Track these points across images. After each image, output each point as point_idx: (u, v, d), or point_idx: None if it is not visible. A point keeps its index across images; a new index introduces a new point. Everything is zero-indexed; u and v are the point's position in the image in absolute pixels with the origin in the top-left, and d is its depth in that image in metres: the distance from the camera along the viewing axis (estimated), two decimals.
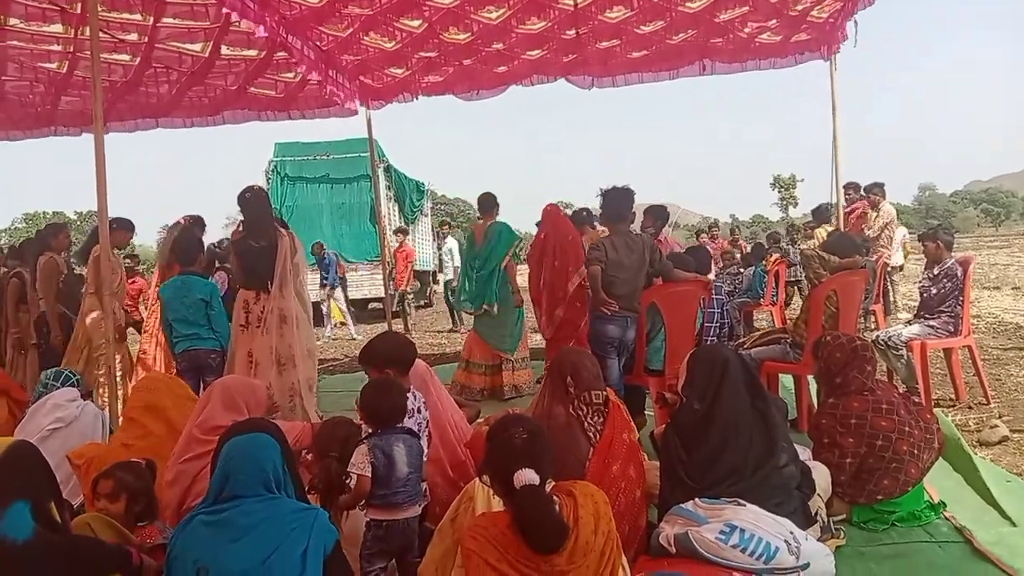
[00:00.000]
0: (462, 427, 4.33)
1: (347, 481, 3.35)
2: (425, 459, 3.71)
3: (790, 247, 12.17)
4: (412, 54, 7.60)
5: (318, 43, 7.02)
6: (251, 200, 5.97)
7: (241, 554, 2.32)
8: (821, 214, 10.06)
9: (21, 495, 2.31)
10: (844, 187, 9.80)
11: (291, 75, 7.94)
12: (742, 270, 10.64)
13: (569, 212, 8.11)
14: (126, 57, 7.14)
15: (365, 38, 7.09)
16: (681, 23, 7.17)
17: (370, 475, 3.26)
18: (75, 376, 4.95)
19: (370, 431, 3.42)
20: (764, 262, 10.82)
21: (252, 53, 7.25)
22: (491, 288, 7.38)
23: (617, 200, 5.72)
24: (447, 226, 17.58)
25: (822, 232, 9.59)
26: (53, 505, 2.42)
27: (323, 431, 3.75)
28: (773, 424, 3.59)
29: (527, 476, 2.57)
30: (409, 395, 3.74)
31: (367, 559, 3.27)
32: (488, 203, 7.77)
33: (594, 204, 8.24)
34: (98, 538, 2.80)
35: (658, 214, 7.72)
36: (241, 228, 5.95)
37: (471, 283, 7.56)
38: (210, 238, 7.64)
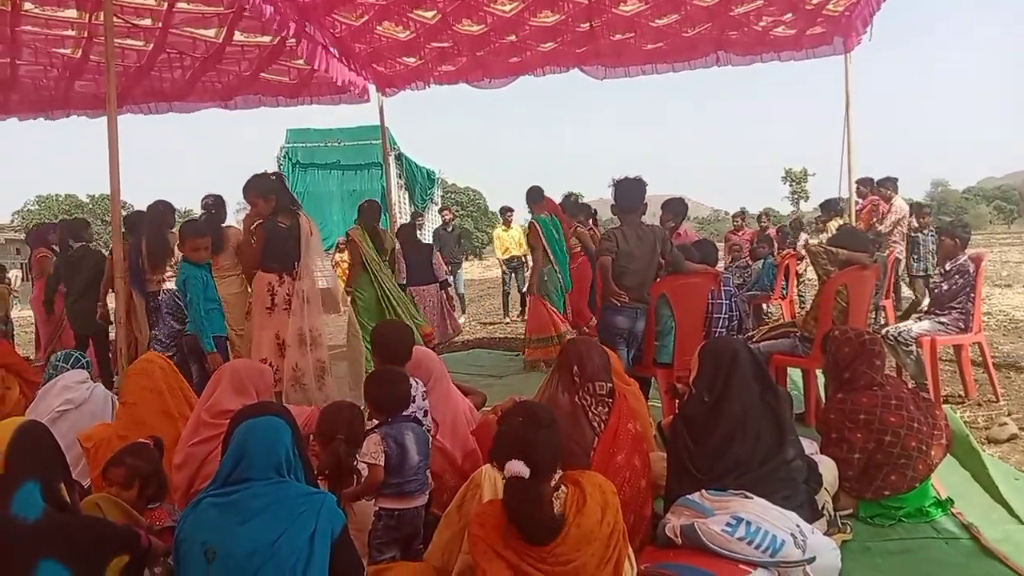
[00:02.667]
0: (471, 415, 4.35)
1: (355, 464, 3.37)
2: (429, 447, 3.74)
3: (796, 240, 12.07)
4: (425, 44, 7.60)
5: (332, 30, 7.01)
6: (278, 182, 6.00)
7: (249, 536, 2.33)
8: (830, 207, 10.01)
9: (31, 475, 2.32)
10: (856, 182, 9.76)
11: (303, 61, 7.93)
12: (751, 263, 10.58)
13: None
14: (140, 43, 7.15)
15: (379, 27, 7.09)
16: (696, 17, 7.13)
17: (383, 464, 3.27)
18: (84, 358, 4.97)
19: (378, 421, 3.43)
20: (773, 256, 10.76)
21: (265, 39, 7.25)
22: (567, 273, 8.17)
23: (629, 191, 5.70)
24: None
25: (834, 226, 9.54)
26: (63, 486, 2.43)
27: (326, 415, 3.74)
28: (782, 418, 3.58)
29: (515, 468, 2.57)
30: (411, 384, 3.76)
31: (377, 548, 3.29)
32: (538, 195, 8.33)
33: (602, 194, 8.45)
34: (107, 519, 2.82)
35: (676, 208, 7.70)
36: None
37: (563, 268, 7.99)
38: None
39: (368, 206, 7.76)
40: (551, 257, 7.93)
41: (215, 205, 6.98)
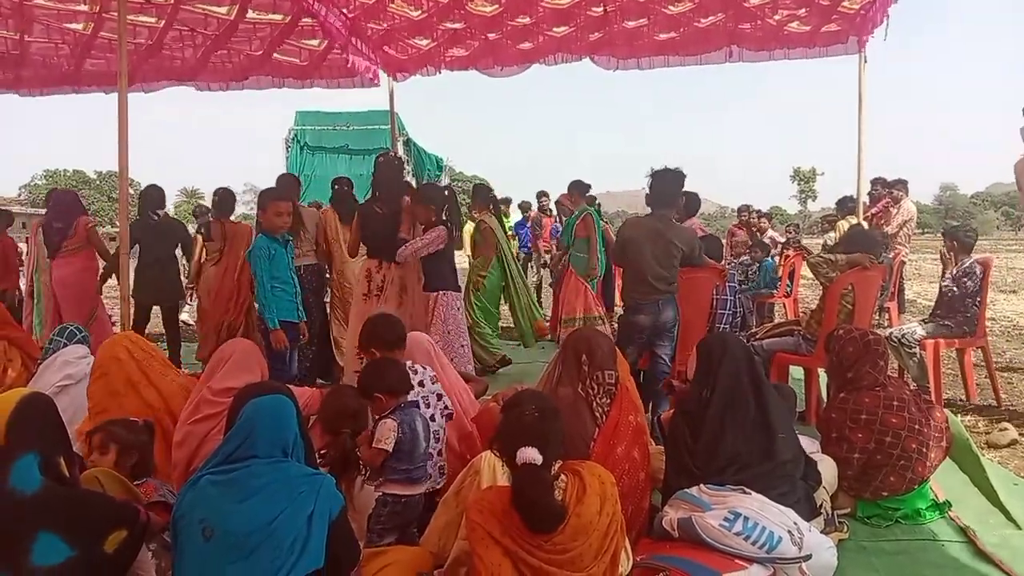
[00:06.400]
0: (467, 401, 4.32)
1: (358, 450, 3.38)
2: (443, 434, 3.76)
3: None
4: (437, 24, 7.56)
5: (344, 10, 6.98)
6: (383, 164, 5.91)
7: (247, 514, 2.33)
8: (845, 206, 9.99)
9: (31, 447, 2.32)
10: (872, 182, 9.73)
11: (315, 42, 7.91)
12: (752, 264, 10.49)
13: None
14: (152, 19, 7.13)
15: (391, 5, 7.07)
16: (710, 5, 7.10)
17: (391, 452, 3.28)
18: (82, 332, 4.96)
19: (388, 407, 3.42)
20: (774, 256, 10.70)
21: (277, 17, 7.23)
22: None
23: (663, 183, 5.39)
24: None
25: (844, 224, 9.51)
26: (62, 459, 2.43)
27: (329, 403, 3.70)
28: (778, 413, 3.58)
29: (529, 455, 2.59)
30: (412, 369, 3.76)
31: (378, 533, 3.29)
32: (583, 188, 8.53)
33: (609, 187, 8.55)
34: (106, 493, 2.82)
35: (685, 202, 7.66)
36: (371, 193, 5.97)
37: (601, 255, 8.04)
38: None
39: (485, 189, 8.16)
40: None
41: (348, 183, 7.15)
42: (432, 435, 3.68)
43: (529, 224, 13.57)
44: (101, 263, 7.42)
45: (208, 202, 8.00)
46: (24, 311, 7.69)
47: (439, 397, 3.85)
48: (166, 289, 7.59)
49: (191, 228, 12.12)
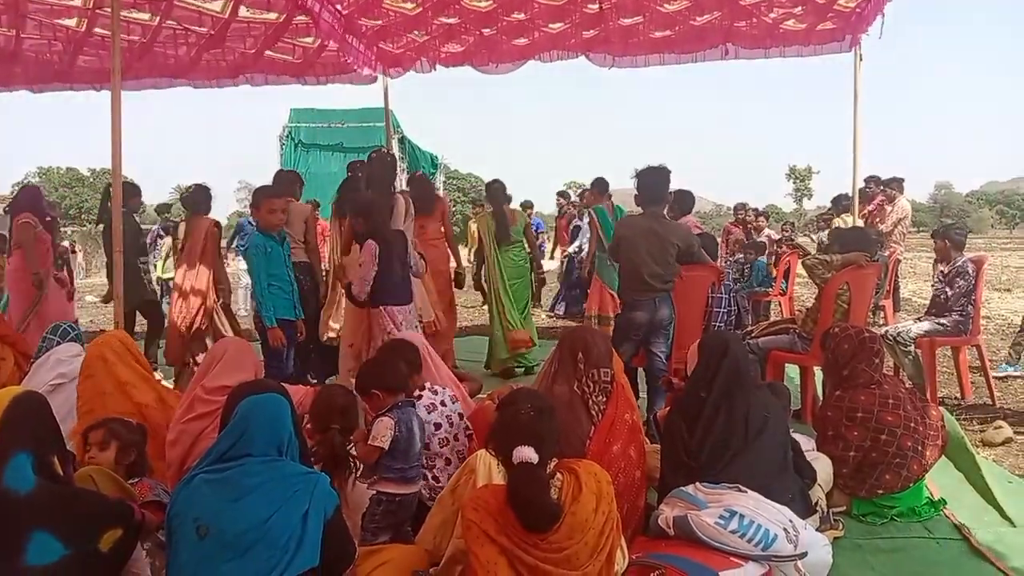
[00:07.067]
0: (461, 400, 4.30)
1: (350, 448, 3.37)
2: (467, 454, 3.72)
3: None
4: (432, 19, 7.53)
5: (338, 7, 6.96)
6: (376, 161, 5.94)
7: (242, 513, 2.33)
8: (840, 204, 10.00)
9: (24, 447, 2.30)
10: (865, 180, 9.75)
11: (310, 40, 7.88)
12: (747, 262, 10.49)
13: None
14: (145, 16, 7.09)
15: (385, 1, 7.04)
16: (706, 3, 7.08)
17: (387, 450, 3.28)
18: (74, 330, 4.93)
19: (386, 405, 3.43)
20: (766, 256, 10.71)
21: (272, 16, 7.20)
22: None
23: (651, 181, 5.43)
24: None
25: (839, 222, 9.53)
26: (56, 458, 2.42)
27: (320, 400, 3.69)
28: (772, 407, 3.58)
29: (525, 454, 2.58)
30: (432, 391, 3.78)
31: (372, 532, 3.29)
32: (604, 187, 8.72)
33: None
34: (100, 492, 2.81)
35: (680, 200, 7.68)
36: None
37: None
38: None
39: (498, 186, 8.03)
40: (605, 244, 7.92)
41: (361, 169, 6.87)
42: (456, 455, 3.70)
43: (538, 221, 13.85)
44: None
45: None
46: None
47: (461, 416, 3.87)
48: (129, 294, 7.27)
49: (155, 226, 12.05)
